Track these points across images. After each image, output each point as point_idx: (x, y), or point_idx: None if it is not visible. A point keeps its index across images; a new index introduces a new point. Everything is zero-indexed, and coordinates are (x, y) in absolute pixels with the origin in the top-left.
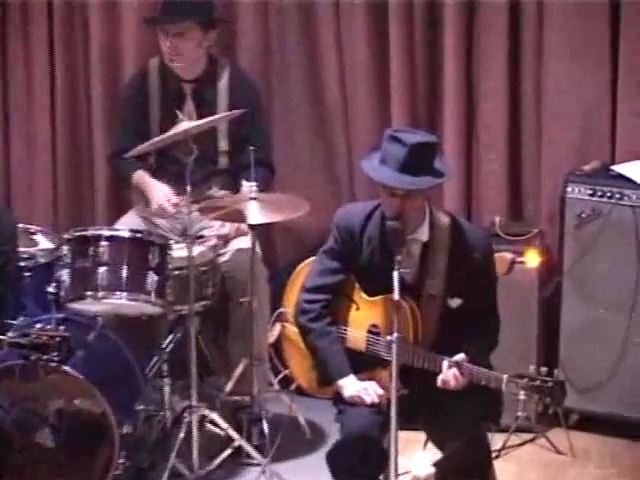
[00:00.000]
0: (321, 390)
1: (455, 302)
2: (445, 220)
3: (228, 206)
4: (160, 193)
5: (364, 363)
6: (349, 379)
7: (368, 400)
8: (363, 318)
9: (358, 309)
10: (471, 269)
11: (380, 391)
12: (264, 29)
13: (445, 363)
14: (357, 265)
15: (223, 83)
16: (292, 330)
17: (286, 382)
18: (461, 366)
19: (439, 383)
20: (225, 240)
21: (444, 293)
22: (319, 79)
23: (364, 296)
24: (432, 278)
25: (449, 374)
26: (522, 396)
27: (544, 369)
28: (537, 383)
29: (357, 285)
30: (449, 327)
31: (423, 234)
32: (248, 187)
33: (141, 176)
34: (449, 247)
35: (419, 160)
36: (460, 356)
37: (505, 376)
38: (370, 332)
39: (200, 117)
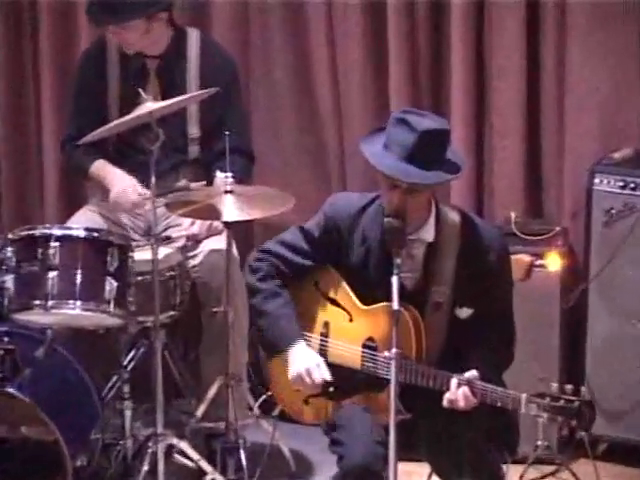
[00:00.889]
0: (309, 415)
1: (464, 312)
2: (454, 217)
3: (199, 201)
4: (124, 183)
5: (359, 383)
6: (299, 347)
7: (309, 382)
8: (357, 331)
9: (352, 320)
10: (483, 274)
11: (327, 375)
12: (244, 25)
13: (454, 381)
14: (348, 267)
15: (193, 58)
16: None
17: (268, 406)
18: (473, 384)
19: (445, 403)
20: (195, 240)
21: (452, 301)
22: (308, 68)
23: (359, 305)
24: (438, 284)
25: (458, 393)
26: (544, 419)
27: (569, 387)
28: (561, 403)
29: (351, 293)
30: (457, 340)
31: (428, 233)
32: (222, 178)
33: (101, 165)
34: (458, 248)
35: (429, 150)
36: (471, 373)
37: (524, 395)
38: (365, 347)
39: (166, 98)
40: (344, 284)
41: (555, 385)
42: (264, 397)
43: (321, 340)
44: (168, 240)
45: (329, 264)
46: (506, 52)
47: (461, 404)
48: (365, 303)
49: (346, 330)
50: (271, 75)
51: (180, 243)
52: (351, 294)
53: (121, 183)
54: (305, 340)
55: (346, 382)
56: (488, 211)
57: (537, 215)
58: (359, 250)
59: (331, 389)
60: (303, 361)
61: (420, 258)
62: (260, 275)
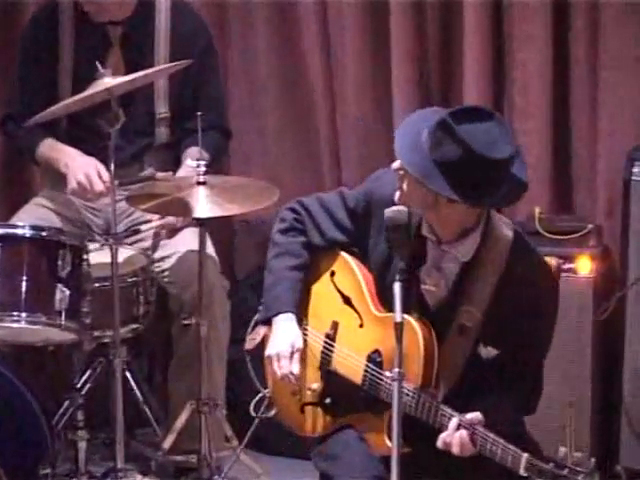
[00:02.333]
0: (304, 425)
1: (488, 352)
2: (507, 234)
3: (166, 194)
4: (83, 165)
5: (358, 401)
6: (283, 320)
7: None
8: (365, 340)
9: (362, 326)
10: (522, 313)
11: (295, 368)
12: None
13: (454, 420)
14: (369, 260)
15: (162, 23)
16: None
17: (256, 436)
18: (474, 429)
19: (439, 443)
20: (170, 230)
21: (480, 330)
22: (296, 45)
23: (372, 309)
24: (469, 305)
25: (455, 436)
26: None
27: (578, 454)
28: (565, 472)
29: (367, 294)
30: (473, 379)
31: (465, 251)
32: (194, 166)
33: (52, 144)
34: (502, 272)
35: (471, 173)
36: (475, 415)
37: (525, 456)
38: (370, 360)
39: (131, 69)
40: (362, 282)
41: (563, 450)
42: (261, 395)
43: (325, 342)
44: (135, 234)
45: (357, 251)
46: (529, 17)
47: (455, 449)
48: (382, 308)
49: (354, 336)
50: (252, 48)
51: (148, 242)
52: (367, 296)
53: (80, 166)
54: (303, 329)
55: (345, 396)
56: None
57: (566, 211)
58: (384, 245)
59: (328, 400)
60: (281, 340)
61: (452, 274)
62: (284, 226)
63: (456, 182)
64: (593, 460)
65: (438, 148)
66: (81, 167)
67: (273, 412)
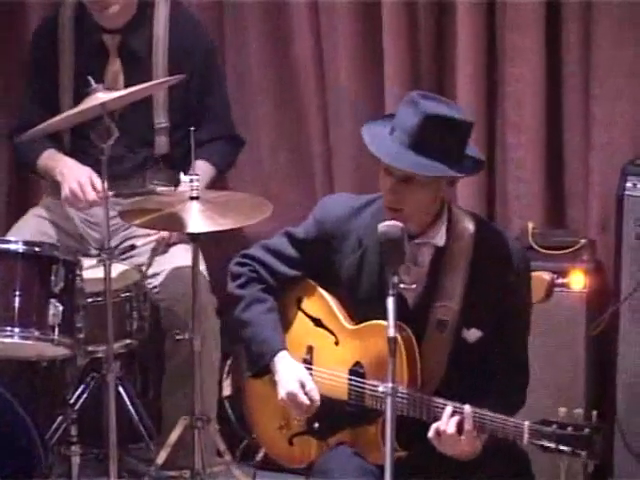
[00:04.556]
0: (294, 458)
1: (473, 335)
2: (468, 223)
3: (159, 209)
4: (77, 174)
5: (346, 416)
6: (281, 356)
7: (298, 403)
8: (344, 355)
9: (337, 343)
10: (497, 293)
11: (316, 395)
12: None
13: (449, 409)
14: (338, 278)
15: (160, 31)
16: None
17: (247, 451)
18: (468, 415)
19: (431, 433)
20: (166, 244)
21: (459, 321)
22: (287, 52)
23: (345, 325)
24: (444, 299)
25: (450, 422)
26: (552, 450)
27: (578, 411)
28: (569, 431)
29: (337, 312)
30: (461, 369)
31: (438, 237)
32: (187, 182)
33: (52, 155)
34: (470, 260)
35: (434, 137)
36: (467, 406)
37: (527, 423)
38: (352, 373)
39: (129, 79)
40: (330, 300)
41: (563, 410)
42: (246, 442)
43: (304, 368)
44: (132, 249)
45: (317, 276)
46: (522, 29)
47: (449, 434)
48: (355, 321)
49: (331, 355)
50: (245, 62)
51: (143, 258)
52: (337, 312)
53: (74, 174)
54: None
55: (332, 416)
56: (501, 221)
57: (559, 226)
58: (352, 259)
59: (316, 425)
60: (290, 377)
61: (426, 267)
62: (241, 281)
63: (428, 155)
64: (595, 413)
65: (401, 124)
66: (75, 176)
67: (261, 454)
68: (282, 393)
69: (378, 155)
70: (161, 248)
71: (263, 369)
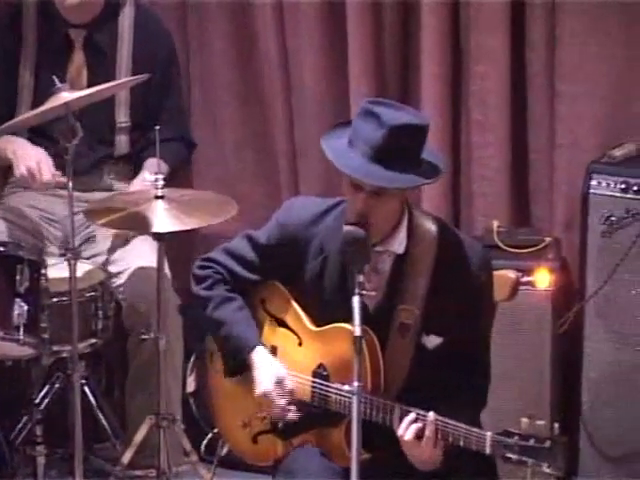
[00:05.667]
0: (258, 456)
1: (432, 341)
2: (430, 227)
3: (123, 208)
4: (32, 152)
5: (310, 418)
6: (258, 351)
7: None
8: (307, 357)
9: (301, 344)
10: (459, 296)
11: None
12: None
13: (412, 415)
14: (302, 282)
15: (125, 28)
16: (220, 373)
17: (212, 447)
18: (431, 423)
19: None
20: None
21: (420, 325)
22: (252, 55)
23: (309, 326)
24: (406, 304)
25: (410, 429)
26: (513, 461)
27: (541, 422)
28: (531, 443)
29: (301, 313)
30: (422, 374)
31: (398, 244)
32: (152, 180)
33: (5, 138)
34: (432, 264)
35: (401, 149)
36: (431, 413)
37: (489, 434)
38: (316, 375)
39: (93, 73)
40: (294, 302)
41: (525, 421)
42: (209, 437)
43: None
44: (91, 240)
45: (280, 279)
46: (487, 29)
47: (408, 437)
48: (320, 324)
49: (295, 356)
50: (210, 62)
51: (104, 257)
52: (301, 314)
53: (30, 154)
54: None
55: (298, 420)
56: (466, 220)
57: (524, 224)
58: (314, 263)
59: (280, 425)
60: (267, 374)
61: (386, 273)
62: (207, 283)
63: (396, 166)
64: (557, 425)
65: (363, 137)
66: (31, 155)
67: (225, 450)
68: (258, 391)
69: (348, 172)
70: (121, 241)
71: (240, 365)
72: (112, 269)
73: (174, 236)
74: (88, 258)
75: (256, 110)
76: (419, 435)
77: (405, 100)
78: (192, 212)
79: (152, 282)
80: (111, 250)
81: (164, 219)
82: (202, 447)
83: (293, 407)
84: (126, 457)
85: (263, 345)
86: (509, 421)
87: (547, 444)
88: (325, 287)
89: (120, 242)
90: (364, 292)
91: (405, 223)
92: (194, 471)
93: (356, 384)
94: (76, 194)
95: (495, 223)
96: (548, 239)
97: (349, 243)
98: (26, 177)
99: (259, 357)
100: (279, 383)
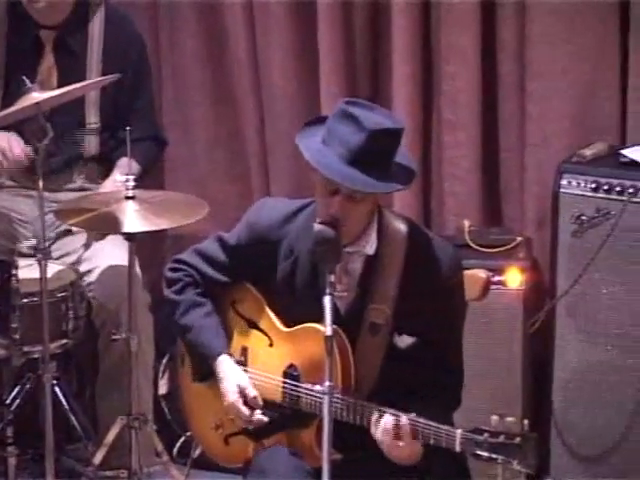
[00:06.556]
0: (229, 457)
1: (404, 341)
2: (400, 227)
3: (94, 208)
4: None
5: (281, 419)
6: (221, 361)
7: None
8: (278, 357)
9: (272, 345)
10: (430, 296)
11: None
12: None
13: (389, 418)
14: (272, 283)
15: (95, 29)
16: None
17: (185, 449)
18: (400, 420)
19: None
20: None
21: (392, 325)
22: (222, 50)
23: (279, 327)
24: (376, 303)
25: (379, 424)
26: (483, 459)
27: (511, 419)
28: (501, 439)
29: (272, 314)
30: (394, 373)
31: (369, 245)
32: (122, 181)
33: None
34: (402, 264)
35: (378, 153)
36: (404, 417)
37: (459, 431)
38: (286, 375)
39: (63, 75)
40: (265, 303)
41: (495, 418)
42: (182, 439)
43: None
44: (68, 234)
45: (251, 280)
46: (457, 28)
47: (385, 441)
48: (291, 325)
49: (266, 357)
50: (181, 61)
51: (75, 257)
52: (272, 315)
53: None
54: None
55: (268, 422)
56: (437, 219)
57: (495, 223)
58: (285, 263)
59: (251, 427)
60: (230, 385)
61: (357, 274)
62: (177, 287)
63: (372, 170)
64: (526, 422)
65: (340, 139)
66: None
67: (198, 452)
68: (225, 402)
69: (329, 175)
70: (99, 234)
71: (208, 371)
72: (83, 267)
73: (145, 236)
74: (58, 258)
75: (227, 110)
76: (397, 436)
77: (376, 100)
78: (163, 213)
79: (122, 280)
80: (87, 245)
81: (134, 220)
82: (175, 450)
83: (258, 415)
84: (97, 457)
85: (228, 353)
86: (480, 420)
87: (517, 440)
88: (296, 288)
89: (99, 235)
90: (335, 293)
91: (375, 224)
92: (165, 471)
93: (327, 384)
94: (46, 194)
95: (466, 222)
96: (519, 238)
97: (319, 243)
98: None
99: (222, 367)
100: (241, 392)
